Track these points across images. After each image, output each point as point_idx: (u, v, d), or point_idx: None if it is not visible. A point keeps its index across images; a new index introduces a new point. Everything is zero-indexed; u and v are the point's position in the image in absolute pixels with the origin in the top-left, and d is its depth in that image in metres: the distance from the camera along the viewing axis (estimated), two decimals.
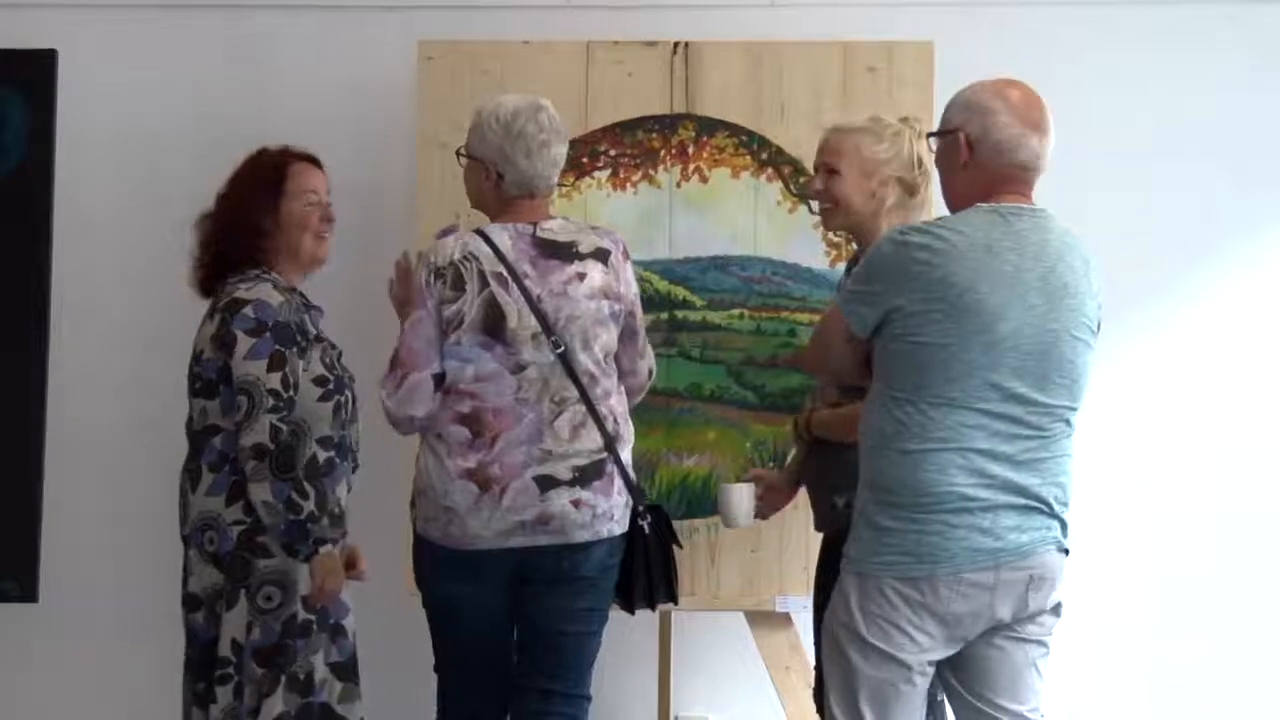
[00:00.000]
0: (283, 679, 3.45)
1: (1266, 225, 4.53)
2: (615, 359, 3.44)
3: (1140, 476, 4.47)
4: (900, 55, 4.03)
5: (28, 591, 4.15)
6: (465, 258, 3.36)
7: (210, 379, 3.47)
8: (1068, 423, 3.02)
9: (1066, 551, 3.05)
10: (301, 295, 3.60)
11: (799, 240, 4.03)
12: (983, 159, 3.02)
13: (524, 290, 3.33)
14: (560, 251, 3.37)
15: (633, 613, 3.52)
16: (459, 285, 3.35)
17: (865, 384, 3.12)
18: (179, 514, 3.56)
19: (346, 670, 3.54)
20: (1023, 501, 2.96)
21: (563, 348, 3.32)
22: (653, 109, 4.06)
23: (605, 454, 3.34)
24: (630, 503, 3.40)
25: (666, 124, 4.06)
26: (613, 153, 4.06)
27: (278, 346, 3.43)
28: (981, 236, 2.95)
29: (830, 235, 3.97)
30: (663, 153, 4.06)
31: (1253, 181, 4.50)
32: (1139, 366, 4.48)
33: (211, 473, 3.47)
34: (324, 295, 3.68)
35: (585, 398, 3.33)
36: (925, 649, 2.98)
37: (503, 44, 4.08)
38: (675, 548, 3.50)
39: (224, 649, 3.43)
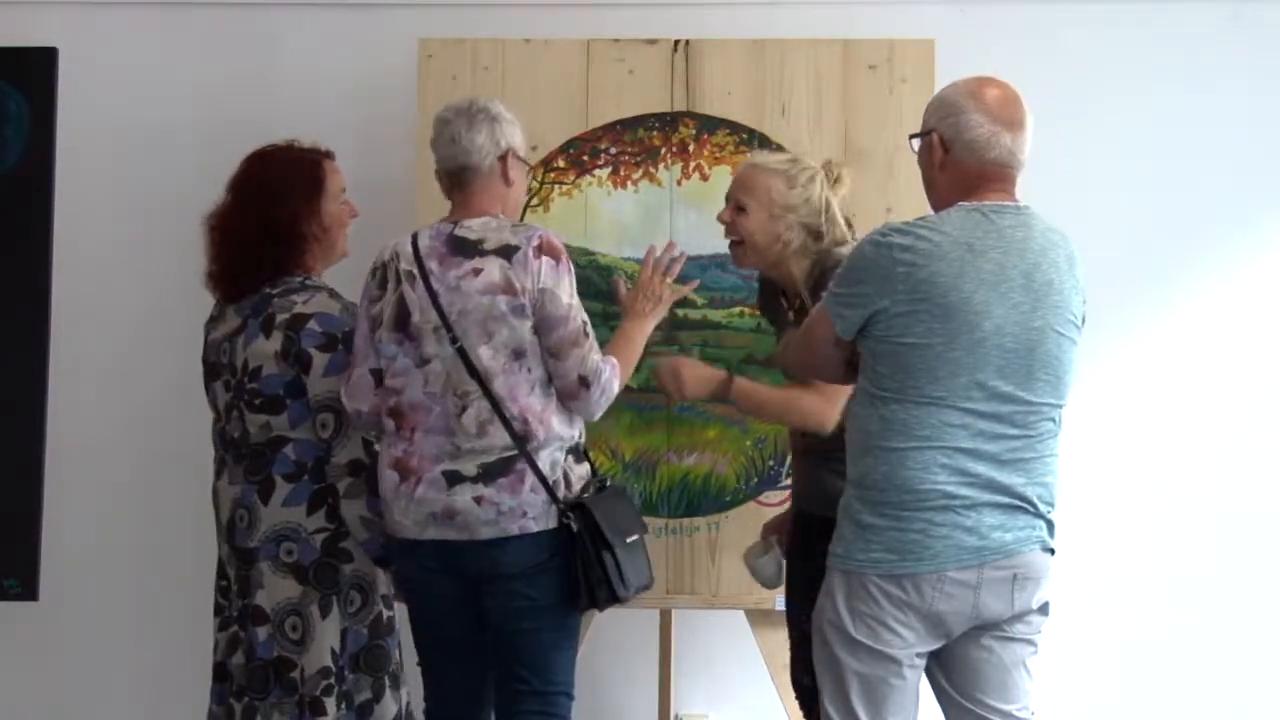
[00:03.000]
0: (386, 679, 3.48)
1: (1266, 225, 4.53)
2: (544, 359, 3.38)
3: (1142, 476, 4.47)
4: (901, 53, 4.04)
5: (28, 590, 4.14)
6: (391, 257, 3.43)
7: (275, 394, 3.45)
8: (1054, 421, 3.01)
9: (1052, 551, 3.04)
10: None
11: None
12: (957, 158, 3.02)
13: (428, 286, 3.36)
14: (465, 248, 3.37)
15: (580, 612, 3.45)
16: (383, 284, 3.42)
17: (850, 385, 3.13)
18: (244, 528, 3.48)
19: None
20: (1006, 500, 2.96)
21: (459, 342, 3.33)
22: (653, 107, 4.07)
23: (514, 451, 3.31)
24: (551, 499, 3.33)
25: (667, 122, 4.07)
26: (613, 150, 4.07)
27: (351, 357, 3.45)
28: (964, 235, 2.94)
29: None
30: (663, 150, 4.06)
31: (1253, 182, 4.51)
32: (1139, 366, 4.49)
33: (288, 483, 3.45)
34: None
35: (487, 393, 3.31)
36: (911, 643, 2.99)
37: (504, 42, 4.09)
38: (622, 545, 3.36)
39: (324, 660, 3.41)
